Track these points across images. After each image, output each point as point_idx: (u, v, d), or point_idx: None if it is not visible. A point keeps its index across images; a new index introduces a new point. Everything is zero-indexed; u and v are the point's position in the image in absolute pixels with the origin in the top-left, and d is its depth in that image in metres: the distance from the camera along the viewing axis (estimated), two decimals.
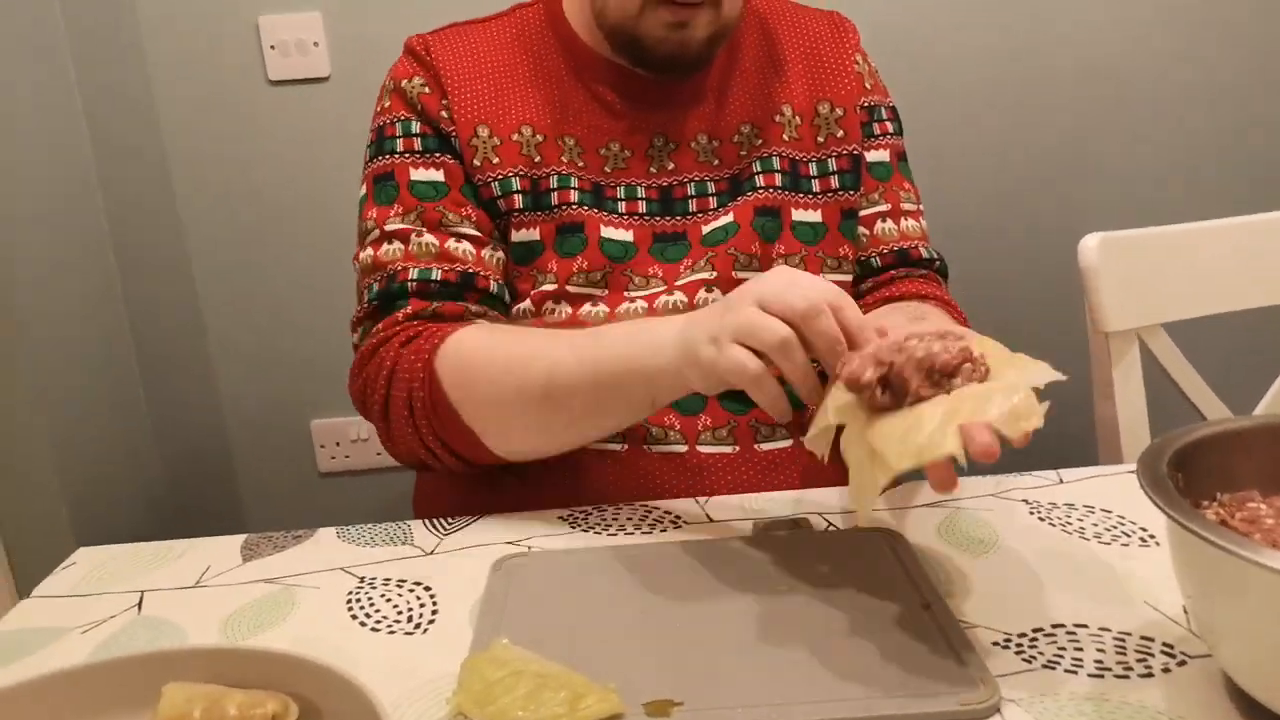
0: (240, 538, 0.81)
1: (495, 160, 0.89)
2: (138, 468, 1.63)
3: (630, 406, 0.77)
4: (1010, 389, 0.55)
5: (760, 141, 0.93)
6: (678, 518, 0.79)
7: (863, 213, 0.96)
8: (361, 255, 0.90)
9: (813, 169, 0.94)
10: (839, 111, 0.95)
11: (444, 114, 0.90)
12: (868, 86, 0.98)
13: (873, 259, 0.96)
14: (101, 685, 0.56)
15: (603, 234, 0.89)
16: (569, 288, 0.88)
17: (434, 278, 0.86)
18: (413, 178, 0.89)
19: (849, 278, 0.95)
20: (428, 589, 0.71)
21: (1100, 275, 1.03)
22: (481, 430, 0.81)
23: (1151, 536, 0.71)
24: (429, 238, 0.87)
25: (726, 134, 0.93)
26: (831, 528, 0.75)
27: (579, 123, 0.91)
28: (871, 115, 0.97)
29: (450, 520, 0.82)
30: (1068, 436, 1.31)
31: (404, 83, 0.91)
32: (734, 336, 0.66)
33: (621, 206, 0.91)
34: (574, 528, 0.79)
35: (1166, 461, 0.54)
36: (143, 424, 1.66)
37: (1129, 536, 0.71)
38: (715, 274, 0.88)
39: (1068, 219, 1.62)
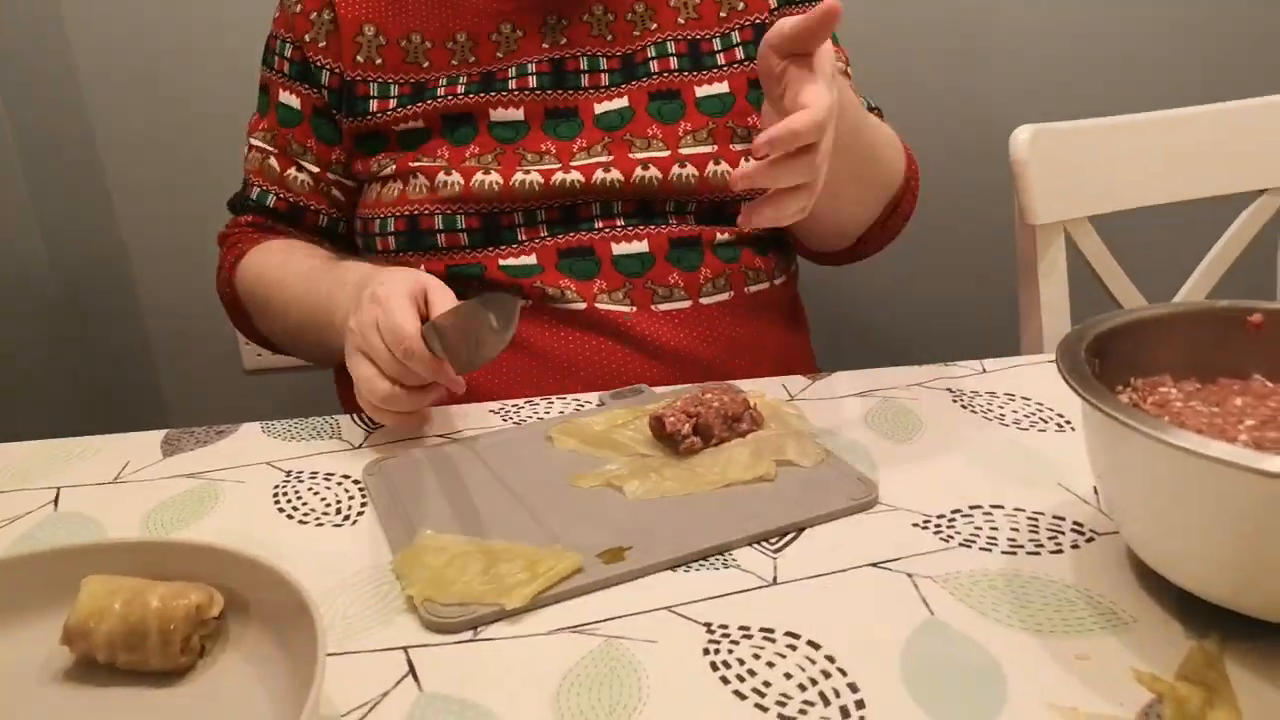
0: (160, 433, 0.79)
1: (378, 62, 0.92)
2: (56, 364, 1.58)
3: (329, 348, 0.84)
4: (795, 435, 0.71)
5: (654, 25, 0.93)
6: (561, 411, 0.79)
7: None
8: (246, 145, 1.00)
9: (716, 44, 0.93)
10: None
11: (313, 31, 0.92)
12: None
13: None
14: (18, 579, 0.55)
15: (491, 118, 0.90)
16: (465, 165, 0.90)
17: (269, 204, 0.97)
18: (280, 99, 0.96)
19: None
20: (356, 482, 0.70)
21: (1031, 167, 1.03)
22: (268, 332, 0.99)
23: (1068, 422, 0.73)
24: (273, 162, 0.96)
25: (621, 9, 0.93)
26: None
27: (470, 11, 0.92)
28: None
29: None
30: (991, 327, 1.34)
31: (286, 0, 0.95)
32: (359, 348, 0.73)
33: (512, 84, 0.91)
34: (505, 420, 0.78)
35: (1085, 348, 0.55)
36: (63, 319, 1.60)
37: (1046, 422, 0.73)
38: (611, 157, 0.89)
39: (997, 110, 1.62)
